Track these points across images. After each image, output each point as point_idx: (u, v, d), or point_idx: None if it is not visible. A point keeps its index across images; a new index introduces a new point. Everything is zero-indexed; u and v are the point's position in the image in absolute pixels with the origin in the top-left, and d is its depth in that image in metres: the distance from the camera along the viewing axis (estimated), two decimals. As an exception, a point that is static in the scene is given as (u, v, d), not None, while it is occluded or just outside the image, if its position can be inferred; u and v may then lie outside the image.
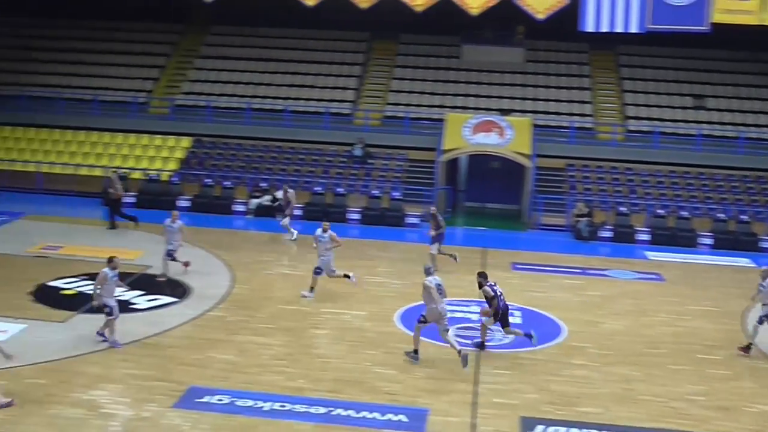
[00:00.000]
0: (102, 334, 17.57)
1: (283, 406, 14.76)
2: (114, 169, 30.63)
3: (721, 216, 30.38)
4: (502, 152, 32.12)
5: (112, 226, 27.79)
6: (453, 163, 33.55)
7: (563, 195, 31.80)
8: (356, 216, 30.66)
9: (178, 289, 21.38)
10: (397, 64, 38.64)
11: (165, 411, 14.44)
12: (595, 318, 20.68)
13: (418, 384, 16.04)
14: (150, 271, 22.66)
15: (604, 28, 28.46)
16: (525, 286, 23.10)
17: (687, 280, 24.83)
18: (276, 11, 35.35)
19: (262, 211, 30.54)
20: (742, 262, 27.42)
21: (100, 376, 15.80)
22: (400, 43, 39.71)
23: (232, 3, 31.45)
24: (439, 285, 17.11)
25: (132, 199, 31.21)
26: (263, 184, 31.76)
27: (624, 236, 29.53)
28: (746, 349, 18.38)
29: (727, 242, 29.21)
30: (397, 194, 31.36)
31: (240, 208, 31.03)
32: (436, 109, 35.49)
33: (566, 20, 29.44)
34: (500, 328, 18.29)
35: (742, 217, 30.34)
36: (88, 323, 18.55)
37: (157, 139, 35.59)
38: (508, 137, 32.11)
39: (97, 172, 33.38)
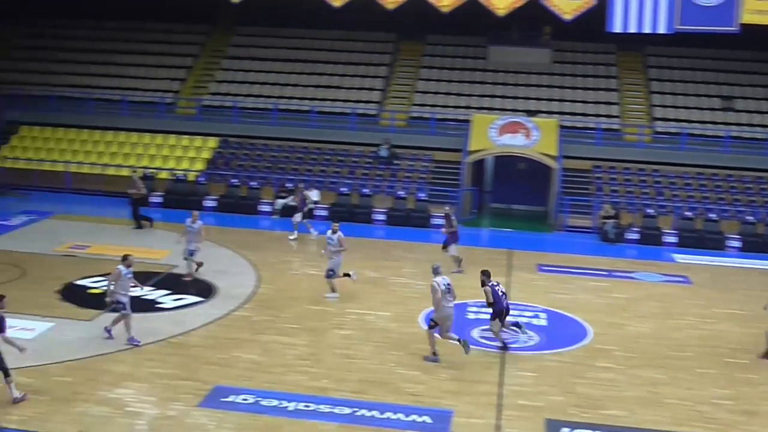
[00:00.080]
0: (109, 331, 17.74)
1: (308, 406, 14.79)
2: (134, 169, 30.84)
3: (750, 218, 30.12)
4: (528, 153, 32.01)
5: (139, 226, 27.96)
6: (479, 164, 33.48)
7: (589, 197, 31.63)
8: (382, 217, 30.67)
9: (203, 289, 21.48)
10: (424, 65, 38.62)
11: (190, 410, 14.52)
12: (621, 320, 20.56)
13: (442, 385, 16.02)
14: (176, 271, 22.76)
15: (632, 29, 28.30)
16: (550, 288, 23.02)
17: (714, 283, 24.63)
18: (302, 12, 35.45)
19: (287, 212, 30.55)
20: (771, 265, 27.20)
21: (126, 375, 15.91)
22: (427, 44, 39.67)
23: (259, 3, 31.56)
24: (449, 285, 17.21)
25: (159, 199, 31.42)
26: (289, 185, 31.84)
27: (651, 238, 29.34)
28: (766, 355, 18.20)
29: (756, 245, 28.95)
30: (422, 195, 31.33)
31: (266, 208, 31.13)
32: (462, 110, 35.43)
33: (593, 21, 29.33)
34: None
35: (770, 219, 30.09)
36: (123, 322, 18.70)
37: (184, 140, 35.81)
38: (535, 138, 31.99)
39: (125, 172, 33.53)
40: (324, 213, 30.66)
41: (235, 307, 20.28)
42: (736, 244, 29.18)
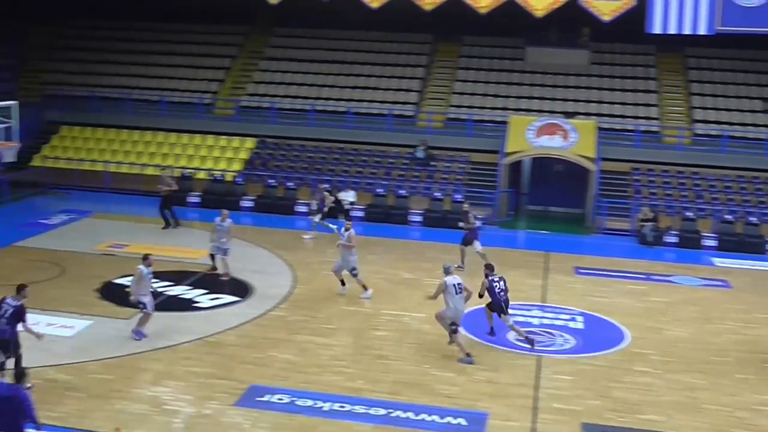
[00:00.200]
0: (139, 333, 17.89)
1: (343, 407, 14.81)
2: (163, 167, 31.05)
3: (791, 222, 29.74)
4: (565, 155, 31.81)
5: (176, 225, 28.14)
6: (516, 166, 33.33)
7: (628, 199, 31.37)
8: (418, 218, 30.63)
9: (240, 289, 21.59)
10: (461, 66, 38.54)
11: (226, 409, 14.60)
12: (659, 324, 20.35)
13: (477, 387, 15.97)
14: (213, 271, 22.88)
15: (672, 30, 28.02)
16: (588, 291, 22.86)
17: (755, 288, 24.30)
18: (340, 13, 35.52)
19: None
20: (813, 269, 26.80)
21: (163, 373, 16.04)
22: (464, 45, 39.58)
23: (297, 5, 31.66)
24: (460, 285, 17.31)
25: (196, 199, 31.64)
26: (326, 186, 31.86)
27: (690, 242, 29.02)
28: None
29: (797, 249, 28.58)
30: (459, 197, 31.24)
31: (302, 208, 31.22)
32: (500, 111, 35.29)
33: (632, 22, 29.10)
34: (561, 334, 18.24)
35: (812, 223, 29.66)
36: (153, 320, 18.84)
37: (222, 140, 36.05)
38: (572, 140, 31.79)
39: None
40: (360, 214, 30.70)
41: (271, 306, 20.37)
42: (777, 248, 28.82)
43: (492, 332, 18.59)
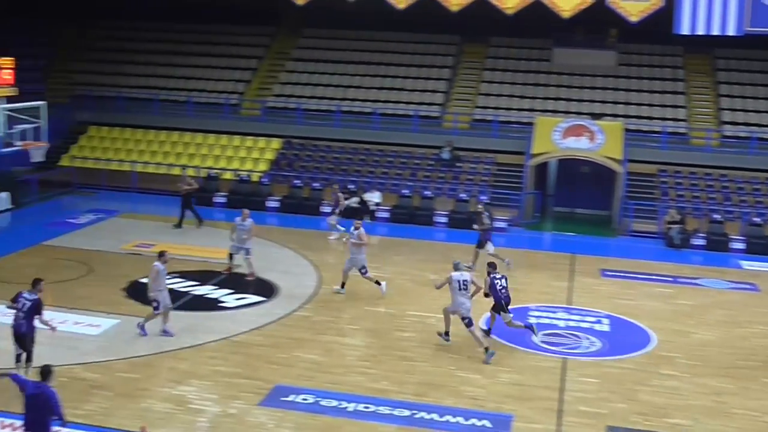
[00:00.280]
0: (166, 331, 18.02)
1: (367, 408, 14.81)
2: (184, 167, 31.18)
3: (821, 225, 29.41)
4: (592, 157, 31.64)
5: (200, 224, 28.20)
6: (542, 168, 33.20)
7: (655, 201, 31.15)
8: (443, 219, 30.55)
9: (265, 289, 21.65)
10: (487, 67, 38.45)
11: (251, 408, 14.64)
12: (686, 328, 20.19)
13: (502, 389, 15.92)
14: (239, 270, 22.96)
15: (700, 31, 27.78)
16: (614, 294, 22.73)
17: (784, 291, 24.08)
18: (367, 14, 35.51)
19: (349, 213, 30.67)
20: (843, 273, 26.48)
21: (189, 372, 16.11)
22: (490, 46, 39.50)
23: (324, 6, 31.72)
24: (465, 282, 17.56)
25: (222, 199, 31.76)
26: (351, 186, 31.95)
27: (717, 244, 28.77)
28: None
29: (827, 252, 28.26)
30: (484, 198, 31.14)
31: (328, 209, 31.20)
32: (526, 112, 35.19)
33: (660, 22, 28.87)
34: (587, 336, 18.15)
35: (843, 226, 29.31)
36: (179, 320, 18.96)
37: (248, 141, 36.19)
38: (599, 142, 31.63)
39: (190, 172, 33.99)
40: (386, 215, 30.72)
41: (297, 307, 20.41)
42: (807, 251, 28.51)
43: (488, 333, 18.63)
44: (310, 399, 15.07)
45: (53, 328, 15.45)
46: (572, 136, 31.84)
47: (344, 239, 22.23)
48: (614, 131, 32.09)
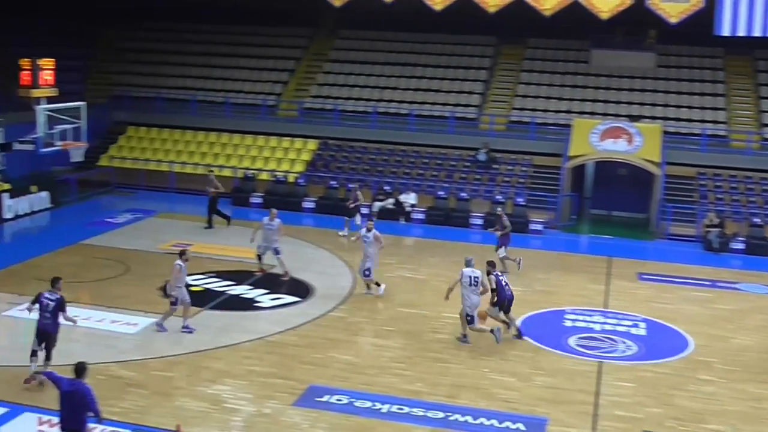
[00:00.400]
0: (187, 327, 18.23)
1: (401, 409, 14.80)
2: (211, 168, 31.30)
3: None
4: (630, 159, 31.40)
5: (228, 222, 28.33)
6: (579, 170, 33.00)
7: (693, 204, 30.83)
8: (479, 221, 30.46)
9: (301, 289, 21.72)
10: (524, 69, 38.29)
11: (285, 408, 14.69)
12: (724, 332, 19.96)
13: (536, 392, 15.84)
14: (274, 270, 23.05)
15: (741, 32, 27.49)
16: (651, 297, 22.53)
17: (825, 296, 23.72)
18: (404, 15, 35.55)
19: (385, 214, 30.72)
20: None
21: (224, 372, 16.20)
22: (528, 48, 39.34)
23: (361, 7, 31.79)
24: (476, 278, 17.98)
25: (259, 200, 31.90)
26: (387, 188, 31.97)
27: (757, 248, 28.40)
28: None
29: None
30: (520, 200, 31.03)
31: (364, 210, 31.19)
32: (563, 114, 35.01)
33: (700, 24, 28.64)
34: (624, 340, 18.00)
35: None
36: (215, 319, 19.13)
37: (285, 141, 36.34)
38: (637, 144, 31.38)
39: (227, 173, 34.29)
40: (421, 216, 30.70)
41: (332, 307, 20.45)
42: None
43: (519, 334, 18.69)
44: (344, 400, 15.09)
45: (75, 323, 15.68)
46: (610, 138, 31.63)
47: (353, 238, 22.15)
48: (653, 133, 31.82)
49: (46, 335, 15.08)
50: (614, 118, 33.69)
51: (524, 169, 33.69)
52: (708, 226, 28.87)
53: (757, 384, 16.77)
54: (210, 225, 28.22)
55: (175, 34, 42.37)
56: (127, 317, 18.89)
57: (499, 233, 24.47)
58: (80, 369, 11.74)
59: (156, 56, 41.15)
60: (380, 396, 15.28)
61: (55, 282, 15.39)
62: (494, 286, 18.23)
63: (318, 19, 41.18)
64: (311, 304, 20.65)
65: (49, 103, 25.82)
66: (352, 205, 28.17)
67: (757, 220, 29.45)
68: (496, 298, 18.31)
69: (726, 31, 27.59)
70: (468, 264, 18.32)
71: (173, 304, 18.15)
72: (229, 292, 21.33)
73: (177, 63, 40.50)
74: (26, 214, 28.99)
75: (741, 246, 28.54)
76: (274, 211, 23.24)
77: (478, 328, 18.10)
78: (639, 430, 14.44)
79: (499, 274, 18.56)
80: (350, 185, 31.70)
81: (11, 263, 22.97)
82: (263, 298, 20.97)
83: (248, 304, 20.55)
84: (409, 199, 31.16)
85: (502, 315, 18.50)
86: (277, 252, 22.61)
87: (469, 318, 17.97)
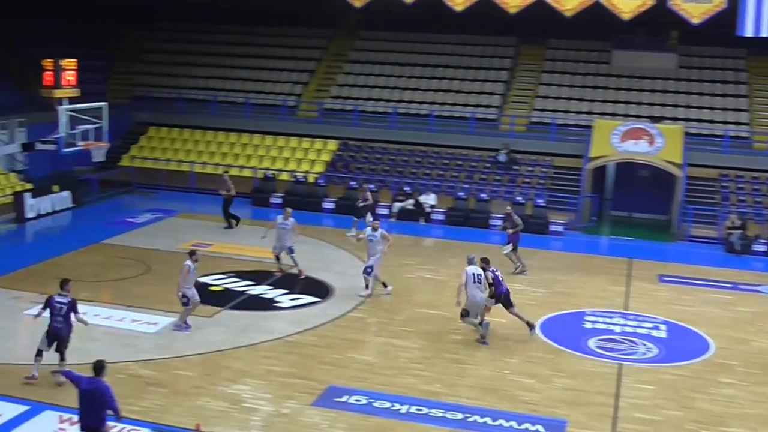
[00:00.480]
0: (179, 326, 18.39)
1: (420, 410, 14.79)
2: (226, 169, 31.40)
3: None
4: (651, 161, 31.24)
5: (229, 225, 28.34)
6: (600, 171, 32.85)
7: (715, 206, 30.63)
8: (499, 222, 30.33)
9: (320, 290, 21.75)
10: (545, 70, 38.18)
11: (304, 408, 14.71)
12: (746, 335, 19.81)
13: (556, 394, 15.79)
14: (293, 271, 23.09)
15: (765, 33, 27.27)
16: (672, 300, 22.40)
17: None
18: (424, 16, 35.53)
19: (405, 215, 30.72)
20: None
21: (243, 372, 16.24)
22: (549, 48, 39.22)
23: (381, 8, 31.79)
24: (479, 275, 18.14)
25: (278, 200, 31.95)
26: (407, 188, 31.95)
27: (780, 251, 28.23)
28: None
29: None
30: (541, 201, 30.94)
31: (384, 211, 31.25)
32: (584, 115, 34.88)
33: (723, 24, 28.41)
34: (644, 342, 17.91)
35: None
36: (234, 319, 19.20)
37: (305, 142, 36.41)
38: (659, 145, 31.22)
39: (247, 173, 34.42)
40: (441, 217, 30.67)
41: (351, 308, 20.46)
42: None
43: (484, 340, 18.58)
44: (363, 400, 15.10)
45: (86, 323, 15.75)
46: (631, 140, 31.49)
47: (360, 236, 22.15)
48: (674, 135, 31.64)
49: (58, 338, 15.15)
50: (635, 119, 33.54)
51: (545, 170, 33.59)
52: (730, 228, 28.69)
53: (779, 387, 16.66)
54: (229, 225, 28.30)
55: (196, 35, 42.51)
56: (148, 317, 18.97)
57: (510, 231, 24.37)
58: (99, 367, 11.79)
59: (177, 57, 41.32)
60: (399, 396, 15.27)
61: (64, 284, 15.43)
62: (491, 281, 18.51)
63: (338, 19, 41.21)
64: (331, 305, 20.68)
65: (71, 103, 26.01)
66: (361, 204, 28.16)
67: (779, 222, 29.25)
68: (492, 293, 18.61)
69: (749, 32, 27.38)
70: (470, 262, 18.49)
71: (185, 304, 18.20)
72: (248, 292, 21.40)
73: (198, 64, 40.63)
74: (48, 214, 29.18)
75: (763, 248, 28.30)
76: (289, 210, 23.34)
77: (469, 321, 18.31)
78: (659, 432, 14.39)
79: (495, 269, 18.76)
80: (353, 183, 31.79)
81: (33, 262, 23.13)
82: (283, 298, 21.01)
83: (268, 304, 20.60)
84: (429, 199, 31.13)
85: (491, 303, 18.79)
86: (291, 251, 22.67)
87: (464, 312, 18.18)
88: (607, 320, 20.24)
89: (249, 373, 16.17)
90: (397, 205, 31.11)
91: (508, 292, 18.79)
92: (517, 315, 18.82)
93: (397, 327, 19.26)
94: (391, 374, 16.41)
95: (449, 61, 38.96)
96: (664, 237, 30.51)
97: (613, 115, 34.62)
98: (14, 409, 14.10)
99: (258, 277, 22.56)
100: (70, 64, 26.37)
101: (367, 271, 21.40)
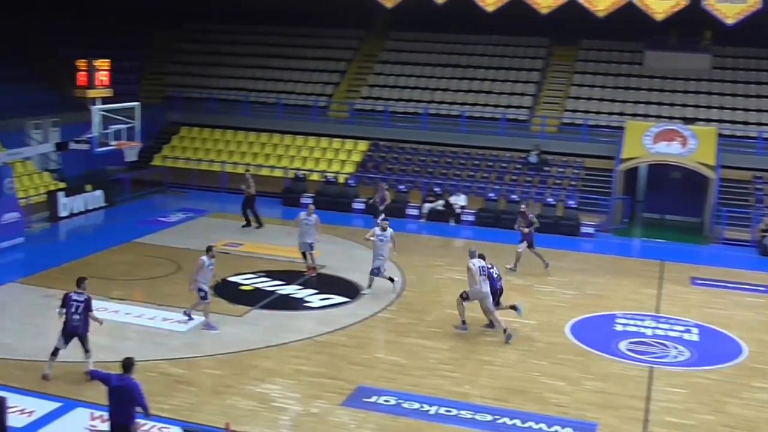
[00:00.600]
0: (188, 314, 18.67)
1: (449, 411, 14.76)
2: (247, 168, 31.44)
3: None
4: (684, 162, 30.97)
5: (248, 223, 28.39)
6: (631, 173, 32.60)
7: (749, 208, 30.30)
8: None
9: (350, 290, 21.76)
10: (577, 70, 37.98)
11: (333, 408, 14.73)
12: (780, 339, 19.60)
13: (586, 397, 15.69)
14: (323, 271, 23.14)
15: (800, 34, 26.99)
16: (704, 303, 22.17)
17: None
18: (455, 17, 35.44)
19: (434, 216, 30.68)
20: None
21: (273, 371, 16.29)
22: (581, 49, 39.01)
23: (412, 9, 31.77)
24: (482, 267, 18.38)
25: (309, 200, 31.99)
26: (437, 189, 31.90)
27: (815, 254, 27.87)
28: None
29: None
30: (572, 202, 30.77)
31: (413, 212, 31.23)
32: (616, 116, 34.66)
33: (758, 24, 28.17)
34: (675, 345, 17.76)
35: None
36: (264, 319, 19.27)
37: (336, 142, 36.47)
38: (691, 147, 30.93)
39: (278, 173, 34.53)
40: (471, 218, 30.58)
41: (381, 308, 20.46)
42: None
43: (464, 324, 18.91)
44: (392, 401, 15.08)
45: (101, 323, 15.82)
46: (663, 141, 31.22)
47: (368, 235, 22.07)
48: (707, 136, 31.34)
49: (76, 335, 15.27)
50: (668, 120, 33.27)
51: (576, 171, 33.41)
52: (763, 231, 28.37)
53: (814, 392, 16.45)
54: (259, 224, 28.39)
55: (228, 35, 42.72)
56: (178, 315, 19.04)
57: (525, 230, 24.24)
58: (128, 364, 11.88)
59: (209, 57, 41.54)
60: (428, 398, 15.24)
61: (80, 282, 15.53)
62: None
63: (369, 20, 41.24)
64: (360, 305, 20.68)
65: (104, 103, 26.16)
66: (381, 206, 28.07)
67: (814, 225, 28.87)
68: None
69: (784, 32, 27.12)
70: (475, 255, 18.70)
71: (204, 298, 18.35)
72: (279, 291, 21.45)
73: (229, 64, 40.85)
74: (81, 213, 29.44)
75: (797, 251, 28.01)
76: (312, 206, 23.51)
77: (459, 308, 18.75)
78: (690, 436, 14.26)
79: (491, 266, 18.87)
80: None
81: (66, 261, 23.34)
82: (313, 298, 21.05)
83: (298, 304, 20.64)
84: (459, 200, 31.06)
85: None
86: (311, 247, 22.73)
87: (464, 295, 18.57)
88: (639, 323, 20.09)
89: (278, 373, 16.21)
90: (427, 205, 31.07)
91: (501, 291, 19.05)
92: (495, 318, 18.79)
93: (427, 328, 19.23)
94: (420, 375, 16.39)
95: (480, 61, 38.88)
96: (696, 239, 30.23)
97: (645, 116, 34.36)
98: (47, 406, 14.25)
99: (288, 276, 22.61)
100: (103, 64, 26.51)
101: (375, 273, 21.39)
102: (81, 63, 26.25)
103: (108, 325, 16.08)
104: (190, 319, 18.65)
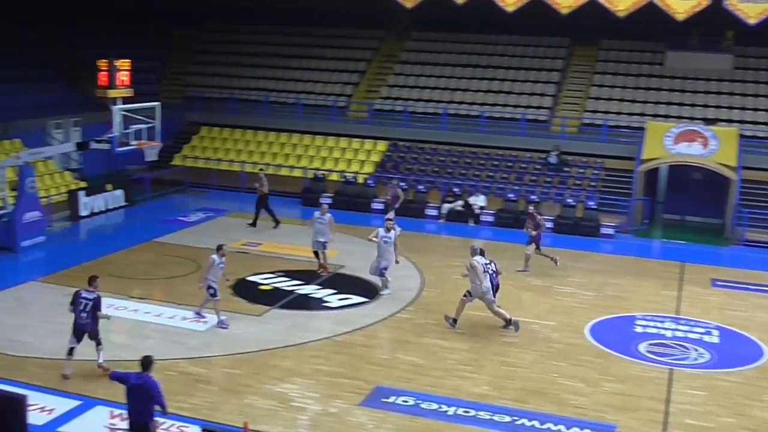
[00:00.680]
0: (199, 313, 18.81)
1: (467, 412, 14.73)
2: (261, 167, 31.45)
3: None
4: (705, 163, 30.78)
5: (255, 223, 28.51)
6: (652, 173, 32.43)
7: (771, 210, 30.11)
8: (549, 224, 30.01)
9: (368, 290, 21.76)
10: (597, 71, 37.83)
11: (351, 408, 14.74)
12: (802, 341, 19.45)
13: (605, 399, 15.62)
14: (342, 271, 23.15)
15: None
16: (725, 305, 22.03)
17: None
18: (475, 17, 35.41)
19: (454, 216, 30.64)
20: None
21: (292, 370, 16.32)
22: (601, 49, 38.85)
23: (432, 9, 31.75)
24: (487, 264, 18.71)
25: (328, 200, 32.03)
26: (456, 190, 31.86)
27: (837, 256, 27.64)
28: None
29: None
30: (592, 203, 30.65)
31: (433, 212, 31.21)
32: (636, 117, 34.50)
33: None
34: (696, 347, 17.66)
35: None
36: (283, 318, 19.31)
37: (355, 143, 36.49)
38: (713, 148, 30.73)
39: (297, 173, 34.59)
40: (490, 219, 30.53)
41: (399, 309, 20.46)
42: None
43: (454, 322, 19.09)
44: (410, 401, 15.08)
45: (108, 318, 16.03)
46: (684, 142, 31.04)
47: (371, 236, 22.00)
48: (729, 137, 31.13)
49: (85, 332, 15.40)
50: (689, 121, 33.08)
51: (596, 172, 33.28)
52: (785, 233, 28.17)
53: (836, 395, 16.31)
54: (277, 223, 28.43)
55: (248, 36, 42.86)
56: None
57: (533, 232, 24.15)
58: (146, 363, 11.93)
59: (229, 58, 41.67)
60: (446, 398, 15.23)
61: (92, 280, 15.65)
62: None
63: (389, 20, 41.24)
64: (379, 305, 20.69)
65: (124, 103, 26.27)
66: (396, 205, 28.02)
67: (837, 226, 28.63)
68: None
69: (807, 33, 26.93)
70: (475, 253, 18.91)
71: (213, 295, 18.45)
72: (297, 291, 21.49)
73: (249, 64, 40.98)
74: (101, 212, 29.62)
75: (820, 253, 27.79)
76: (325, 205, 23.65)
77: (459, 306, 18.94)
78: (711, 439, 14.17)
79: (487, 262, 18.92)
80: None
81: (86, 260, 23.47)
82: (331, 298, 21.07)
83: (317, 304, 20.67)
84: (478, 201, 31.01)
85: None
86: (324, 246, 22.77)
87: (468, 294, 18.84)
88: (659, 324, 19.99)
89: (297, 372, 16.24)
90: (446, 206, 31.04)
91: (497, 287, 19.18)
92: (498, 311, 19.00)
93: (445, 328, 19.19)
94: (438, 376, 16.38)
95: (500, 61, 38.82)
96: (717, 241, 30.04)
97: (666, 117, 34.18)
98: (67, 404, 14.35)
99: (307, 276, 22.65)
100: (124, 64, 26.61)
101: (383, 273, 21.37)
102: (102, 63, 26.36)
103: (127, 324, 16.16)
104: (202, 317, 18.72)
